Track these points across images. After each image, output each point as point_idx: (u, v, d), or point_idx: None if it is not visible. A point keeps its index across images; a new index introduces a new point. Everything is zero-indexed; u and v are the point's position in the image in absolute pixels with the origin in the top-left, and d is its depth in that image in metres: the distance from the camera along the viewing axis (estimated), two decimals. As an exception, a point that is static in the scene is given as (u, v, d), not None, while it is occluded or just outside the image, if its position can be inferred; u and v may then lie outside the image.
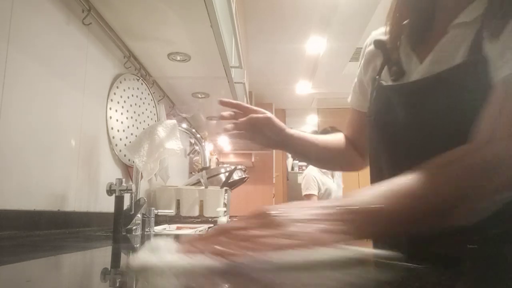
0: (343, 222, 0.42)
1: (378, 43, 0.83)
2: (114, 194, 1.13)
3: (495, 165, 0.50)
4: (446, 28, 0.69)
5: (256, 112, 0.87)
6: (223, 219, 1.85)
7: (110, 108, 1.43)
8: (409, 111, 0.71)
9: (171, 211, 1.83)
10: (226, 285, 0.34)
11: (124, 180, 1.15)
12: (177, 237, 1.09)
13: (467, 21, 0.66)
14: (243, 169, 2.51)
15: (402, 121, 0.71)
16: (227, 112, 0.89)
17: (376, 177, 0.77)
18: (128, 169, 1.58)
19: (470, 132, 0.56)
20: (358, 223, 0.43)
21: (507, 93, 0.54)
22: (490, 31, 0.61)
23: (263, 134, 0.88)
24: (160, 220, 1.76)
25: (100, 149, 1.37)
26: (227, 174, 2.30)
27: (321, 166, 1.62)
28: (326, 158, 0.96)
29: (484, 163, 0.51)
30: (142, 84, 1.70)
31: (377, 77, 0.80)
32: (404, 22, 0.77)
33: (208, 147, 3.45)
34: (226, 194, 2.07)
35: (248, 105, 0.89)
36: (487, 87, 0.58)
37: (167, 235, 1.37)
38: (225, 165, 2.62)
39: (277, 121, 0.88)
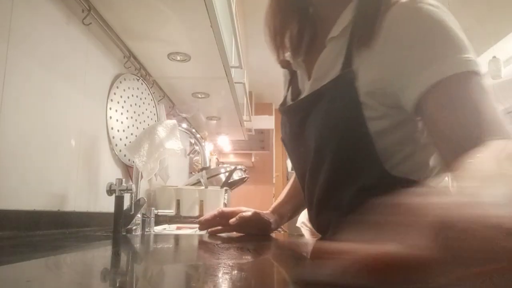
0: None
1: (282, 63, 0.81)
2: (114, 194, 1.13)
3: None
4: (324, 42, 0.68)
5: (237, 211, 0.91)
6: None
7: (110, 108, 1.43)
8: (295, 131, 0.72)
9: (171, 211, 1.83)
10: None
11: (124, 180, 1.15)
12: (177, 237, 1.09)
13: (334, 36, 0.65)
14: (243, 169, 2.51)
15: (292, 141, 0.73)
16: (204, 221, 0.93)
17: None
18: (128, 169, 1.58)
19: (347, 148, 0.58)
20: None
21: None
22: (357, 42, 0.60)
23: (251, 227, 0.91)
24: (160, 220, 1.76)
25: (100, 149, 1.37)
26: (227, 174, 2.30)
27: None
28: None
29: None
30: (142, 84, 1.70)
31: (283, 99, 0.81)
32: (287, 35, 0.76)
33: (208, 147, 3.45)
34: (226, 194, 2.07)
35: (224, 208, 0.94)
36: (357, 101, 0.58)
37: (167, 235, 1.37)
38: (225, 165, 2.62)
39: (263, 214, 0.92)
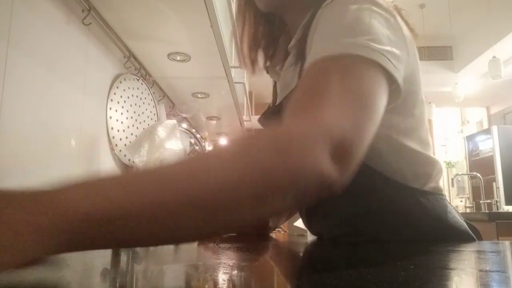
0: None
1: (266, 70, 0.81)
2: (114, 194, 1.12)
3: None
4: (288, 49, 0.66)
5: None
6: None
7: (110, 108, 1.43)
8: None
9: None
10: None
11: (124, 180, 1.15)
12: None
13: (292, 45, 0.65)
14: (243, 169, 2.50)
15: None
16: None
17: None
18: (128, 169, 1.58)
19: None
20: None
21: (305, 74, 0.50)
22: (301, 53, 0.59)
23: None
24: (160, 220, 1.76)
25: (100, 149, 1.37)
26: (227, 174, 2.30)
27: None
28: None
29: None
30: (142, 84, 1.70)
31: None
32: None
33: (208, 147, 3.45)
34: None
35: None
36: None
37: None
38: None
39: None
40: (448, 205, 0.67)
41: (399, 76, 0.51)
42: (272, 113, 0.70)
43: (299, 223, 0.89)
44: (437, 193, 0.65)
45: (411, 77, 0.59)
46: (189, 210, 0.33)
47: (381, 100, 0.48)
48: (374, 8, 0.53)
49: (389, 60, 0.49)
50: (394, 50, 0.50)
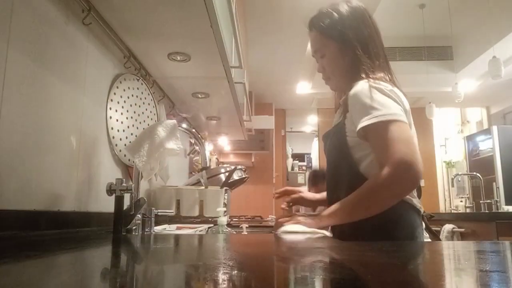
0: (315, 218, 1.04)
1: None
2: (114, 194, 1.12)
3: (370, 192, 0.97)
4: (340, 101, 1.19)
5: (297, 190, 1.38)
6: (223, 219, 1.84)
7: (110, 108, 1.43)
8: (324, 150, 1.25)
9: (171, 211, 1.83)
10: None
11: (124, 180, 1.15)
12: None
13: (341, 103, 1.16)
14: (243, 169, 2.51)
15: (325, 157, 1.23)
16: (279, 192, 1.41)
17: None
18: (128, 169, 1.58)
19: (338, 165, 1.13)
20: (319, 219, 1.03)
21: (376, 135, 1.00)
22: (344, 109, 1.11)
23: (304, 202, 1.40)
24: (160, 220, 1.76)
25: (100, 149, 1.37)
26: (227, 174, 2.30)
27: None
28: None
29: (367, 190, 0.97)
30: (142, 84, 1.70)
31: None
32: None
33: (208, 147, 3.45)
34: (226, 194, 2.06)
35: (288, 187, 1.42)
36: (344, 137, 1.08)
37: (167, 235, 1.37)
38: (225, 165, 2.62)
39: (312, 196, 1.38)
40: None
41: (405, 119, 0.99)
42: (326, 134, 1.24)
43: (290, 228, 1.04)
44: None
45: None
46: (367, 210, 0.96)
47: (412, 135, 0.99)
48: (374, 85, 1.01)
49: (394, 114, 0.97)
50: (399, 109, 1.00)
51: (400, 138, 0.93)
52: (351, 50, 1.10)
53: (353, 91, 1.03)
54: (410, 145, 0.93)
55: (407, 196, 1.01)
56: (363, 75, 1.06)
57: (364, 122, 0.98)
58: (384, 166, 0.93)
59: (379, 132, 0.96)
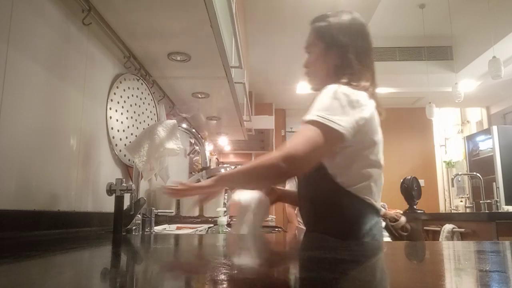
0: (216, 180, 1.06)
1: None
2: (114, 194, 1.13)
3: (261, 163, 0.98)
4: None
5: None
6: (223, 219, 1.85)
7: (110, 108, 1.43)
8: None
9: (171, 211, 1.83)
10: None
11: (124, 180, 1.15)
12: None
13: (312, 100, 1.12)
14: (243, 169, 2.50)
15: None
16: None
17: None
18: (128, 169, 1.58)
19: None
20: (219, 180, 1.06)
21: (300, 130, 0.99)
22: None
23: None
24: (160, 220, 1.76)
25: (100, 149, 1.37)
26: (227, 174, 2.30)
27: None
28: None
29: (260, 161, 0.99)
30: (142, 84, 1.70)
31: None
32: None
33: (208, 147, 3.44)
34: (226, 194, 2.06)
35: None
36: None
37: (167, 235, 1.37)
38: (225, 165, 2.62)
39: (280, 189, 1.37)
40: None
41: (341, 128, 0.95)
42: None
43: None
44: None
45: (364, 128, 1.01)
46: (251, 177, 1.03)
47: (316, 140, 0.95)
48: (339, 91, 1.00)
49: (329, 120, 0.95)
50: (348, 121, 0.97)
51: (309, 140, 0.94)
52: (338, 55, 1.11)
53: (322, 91, 1.04)
54: (311, 151, 0.94)
55: (367, 197, 1.03)
56: (345, 80, 1.06)
57: (305, 116, 0.98)
58: (278, 150, 0.96)
59: (304, 127, 0.97)
